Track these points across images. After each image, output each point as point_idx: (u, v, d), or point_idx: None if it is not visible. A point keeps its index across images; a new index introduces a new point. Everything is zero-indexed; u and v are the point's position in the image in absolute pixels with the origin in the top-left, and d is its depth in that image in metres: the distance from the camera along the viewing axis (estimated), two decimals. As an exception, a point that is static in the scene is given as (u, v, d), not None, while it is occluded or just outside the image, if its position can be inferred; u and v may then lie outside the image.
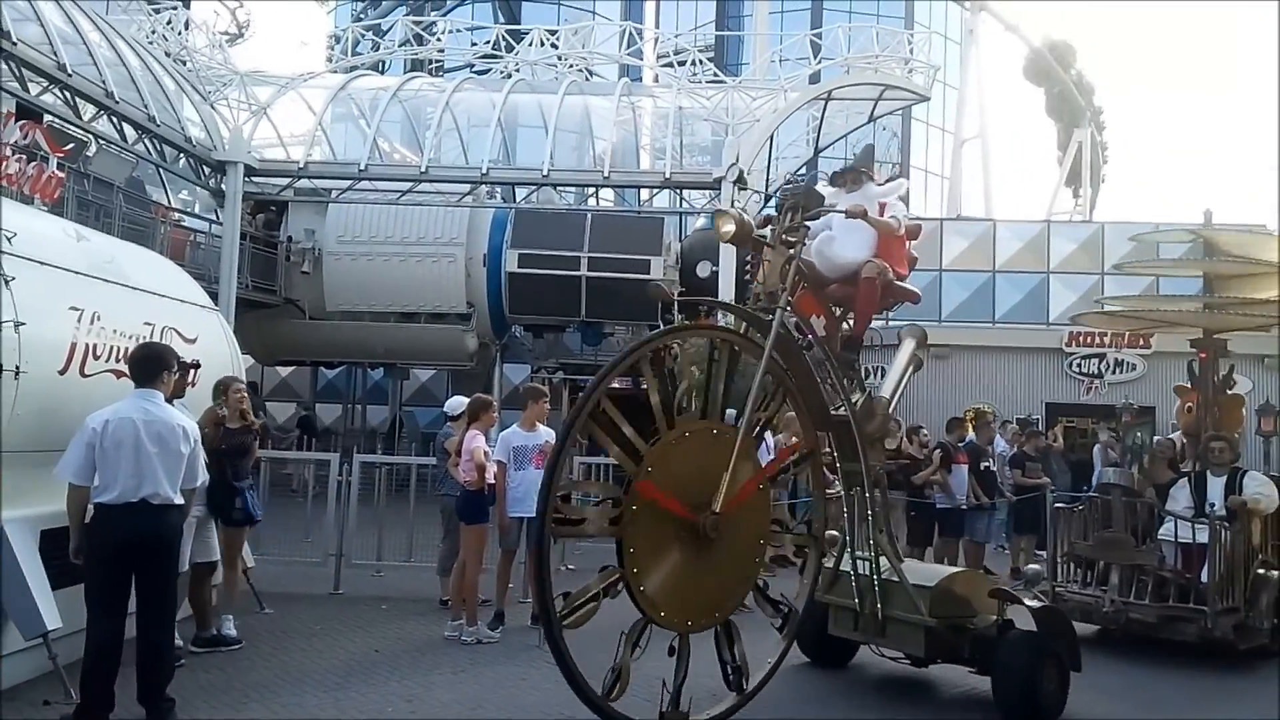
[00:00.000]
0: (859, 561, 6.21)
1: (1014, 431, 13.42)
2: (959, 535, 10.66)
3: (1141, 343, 18.77)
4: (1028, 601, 6.03)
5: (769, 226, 5.82)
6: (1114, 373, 19.94)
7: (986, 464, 11.13)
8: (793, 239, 5.61)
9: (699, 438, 5.17)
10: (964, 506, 10.56)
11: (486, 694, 6.09)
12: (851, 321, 6.28)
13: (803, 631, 6.55)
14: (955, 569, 6.62)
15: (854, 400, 5.99)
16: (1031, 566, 7.03)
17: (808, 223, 5.68)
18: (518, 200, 19.24)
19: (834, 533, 6.68)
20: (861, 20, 28.68)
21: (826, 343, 5.98)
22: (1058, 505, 8.76)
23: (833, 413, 5.94)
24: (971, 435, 11.51)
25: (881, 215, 6.17)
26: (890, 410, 6.41)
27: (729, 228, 5.49)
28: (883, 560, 6.11)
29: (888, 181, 6.77)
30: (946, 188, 36.41)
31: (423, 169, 17.85)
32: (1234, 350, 9.18)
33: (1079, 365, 20.24)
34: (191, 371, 6.52)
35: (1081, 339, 20.00)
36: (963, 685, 6.49)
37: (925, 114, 34.57)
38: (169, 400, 5.69)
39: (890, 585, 6.10)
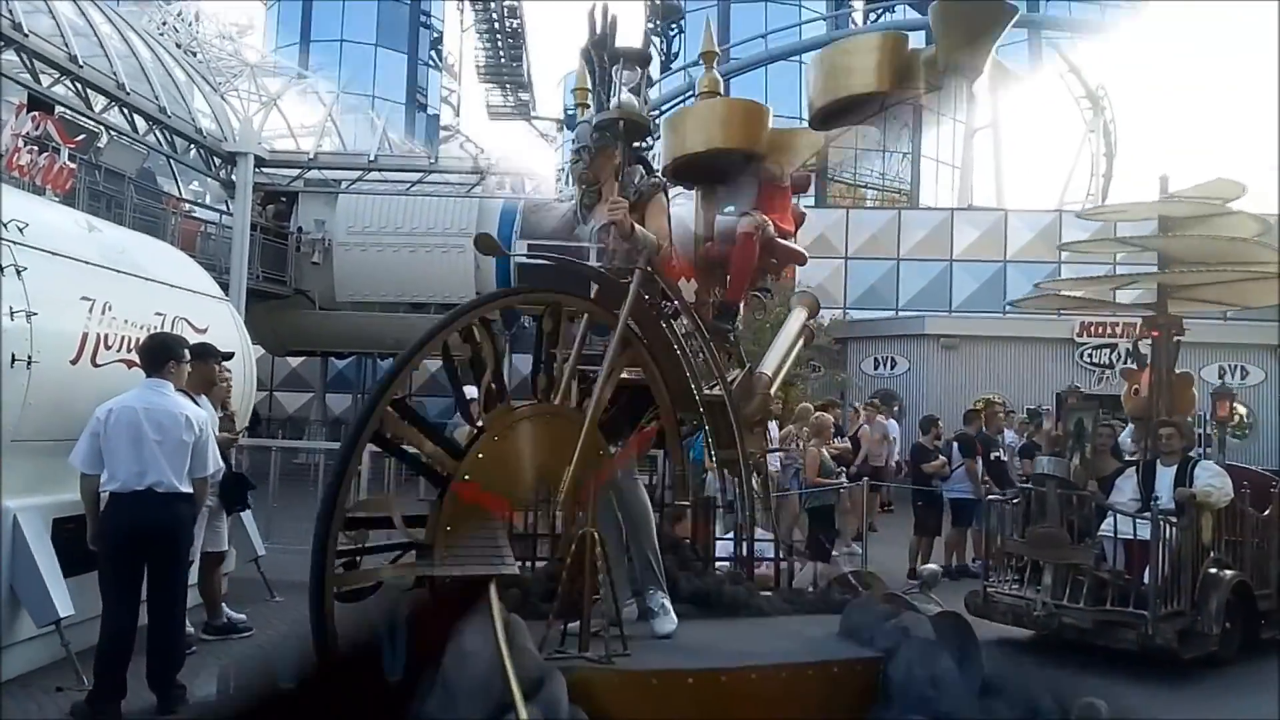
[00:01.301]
0: None
1: (1021, 421, 13.37)
2: (969, 525, 10.66)
3: (1155, 333, 18.61)
4: (923, 607, 5.30)
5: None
6: (1125, 363, 19.76)
7: (997, 454, 11.12)
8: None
9: (539, 423, 4.27)
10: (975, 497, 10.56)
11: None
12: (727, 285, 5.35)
13: None
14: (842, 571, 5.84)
15: (730, 378, 5.02)
16: (928, 566, 6.31)
17: None
18: (527, 190, 19.30)
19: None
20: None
21: (697, 310, 5.02)
22: (990, 498, 8.12)
23: (706, 392, 4.87)
24: (982, 426, 11.50)
25: None
26: (772, 389, 5.47)
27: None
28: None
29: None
30: (957, 177, 36.18)
31: (432, 160, 17.90)
32: (1251, 341, 8.87)
33: (1090, 355, 20.10)
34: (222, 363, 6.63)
35: (1093, 329, 19.86)
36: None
37: (936, 103, 34.34)
38: (195, 394, 5.82)
39: None
